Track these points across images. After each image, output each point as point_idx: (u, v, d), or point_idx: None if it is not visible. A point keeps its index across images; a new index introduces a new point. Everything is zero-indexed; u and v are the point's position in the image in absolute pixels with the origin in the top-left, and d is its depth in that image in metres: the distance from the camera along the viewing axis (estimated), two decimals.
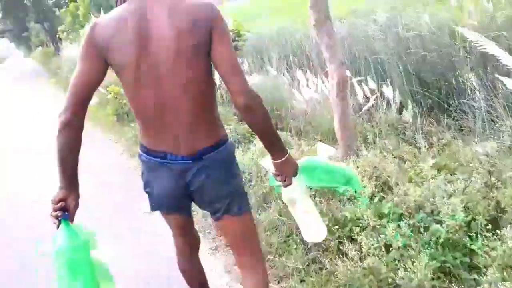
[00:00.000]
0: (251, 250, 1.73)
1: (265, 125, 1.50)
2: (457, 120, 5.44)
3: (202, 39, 1.42)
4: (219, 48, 1.43)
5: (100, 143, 6.90)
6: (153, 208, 1.76)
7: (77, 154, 1.52)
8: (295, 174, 1.63)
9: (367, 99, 5.58)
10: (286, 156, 1.58)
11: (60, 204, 1.51)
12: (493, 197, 2.59)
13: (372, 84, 5.67)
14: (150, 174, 1.65)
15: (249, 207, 1.76)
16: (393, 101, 5.51)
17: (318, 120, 5.46)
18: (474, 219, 2.41)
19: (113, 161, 6.00)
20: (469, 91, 5.15)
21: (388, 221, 2.50)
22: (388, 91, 5.50)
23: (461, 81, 5.49)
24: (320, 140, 4.86)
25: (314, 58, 7.15)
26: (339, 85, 3.82)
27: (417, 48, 6.32)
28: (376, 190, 3.08)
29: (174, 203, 1.70)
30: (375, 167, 3.42)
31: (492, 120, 4.56)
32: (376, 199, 2.87)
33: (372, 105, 5.54)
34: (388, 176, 3.22)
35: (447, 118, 5.22)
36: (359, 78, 5.87)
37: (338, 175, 1.91)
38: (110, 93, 7.83)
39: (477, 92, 5.30)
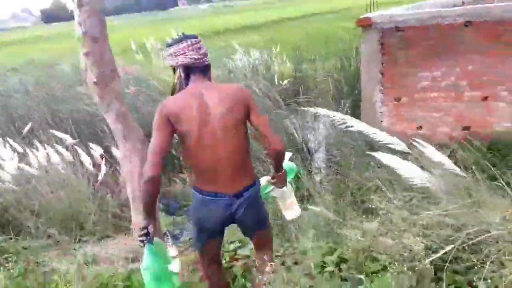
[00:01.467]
0: (268, 248, 2.42)
1: (283, 159, 2.29)
2: None
3: (241, 113, 2.07)
4: (255, 117, 2.10)
5: None
6: (199, 243, 2.30)
7: (156, 197, 2.07)
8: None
9: (97, 166, 4.90)
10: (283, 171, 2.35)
11: (144, 231, 2.04)
12: None
13: (97, 148, 5.03)
14: (202, 208, 2.17)
15: (269, 223, 2.42)
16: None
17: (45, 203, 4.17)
18: None
19: None
20: None
21: None
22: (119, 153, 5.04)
23: None
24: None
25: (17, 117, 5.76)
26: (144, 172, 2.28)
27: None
28: None
29: (218, 228, 2.24)
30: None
31: None
32: None
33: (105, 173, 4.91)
34: None
35: None
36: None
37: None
38: None
39: None
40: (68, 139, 4.90)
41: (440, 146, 6.10)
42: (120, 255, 3.55)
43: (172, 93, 2.17)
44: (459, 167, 5.67)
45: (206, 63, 2.12)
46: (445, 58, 5.87)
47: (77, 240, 3.85)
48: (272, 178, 2.36)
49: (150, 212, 2.03)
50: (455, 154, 5.92)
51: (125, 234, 4.10)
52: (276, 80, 8.32)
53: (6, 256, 3.22)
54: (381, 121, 6.44)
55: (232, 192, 2.12)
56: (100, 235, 3.93)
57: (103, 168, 4.63)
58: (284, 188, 2.42)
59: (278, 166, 2.28)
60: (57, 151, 4.65)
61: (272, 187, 2.43)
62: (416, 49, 5.96)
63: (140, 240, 2.05)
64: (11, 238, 3.60)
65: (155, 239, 2.11)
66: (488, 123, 6.01)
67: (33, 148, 4.69)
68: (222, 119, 2.04)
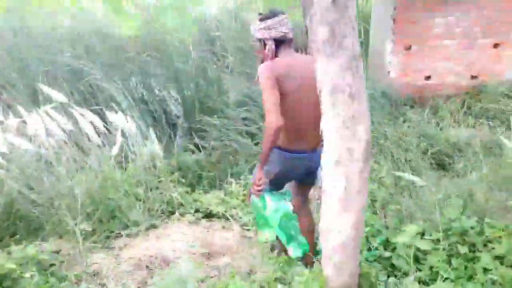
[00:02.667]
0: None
1: None
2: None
3: None
4: None
5: None
6: (277, 188, 2.57)
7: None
8: None
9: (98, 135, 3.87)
10: None
11: (262, 181, 2.37)
12: None
13: (88, 113, 3.92)
14: (288, 164, 2.43)
15: None
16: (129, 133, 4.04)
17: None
18: None
19: None
20: None
21: None
22: (119, 119, 4.00)
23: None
24: None
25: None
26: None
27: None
28: None
29: (299, 177, 2.57)
30: None
31: None
32: None
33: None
34: None
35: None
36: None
37: None
38: None
39: None
40: (61, 98, 3.71)
41: (448, 97, 5.96)
42: (190, 249, 2.78)
43: (262, 62, 2.40)
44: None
45: (291, 36, 2.38)
46: (460, 1, 5.55)
47: (121, 234, 2.94)
48: None
49: (267, 161, 2.34)
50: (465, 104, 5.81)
51: (167, 221, 3.27)
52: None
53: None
54: (389, 72, 6.04)
55: (313, 148, 2.43)
56: (146, 225, 3.06)
57: (119, 138, 3.63)
58: None
59: None
60: (48, 115, 3.51)
61: None
62: None
63: (259, 190, 2.39)
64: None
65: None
66: (497, 71, 5.90)
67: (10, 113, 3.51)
68: (311, 84, 2.11)
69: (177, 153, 4.51)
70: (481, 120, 5.35)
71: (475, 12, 5.64)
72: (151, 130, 4.27)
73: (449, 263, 2.23)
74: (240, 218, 3.35)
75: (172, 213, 3.42)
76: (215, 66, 5.79)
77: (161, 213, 3.40)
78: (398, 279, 2.14)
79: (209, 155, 4.63)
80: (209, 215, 3.41)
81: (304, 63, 2.32)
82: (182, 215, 3.33)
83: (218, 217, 3.38)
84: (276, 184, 2.52)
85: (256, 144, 4.84)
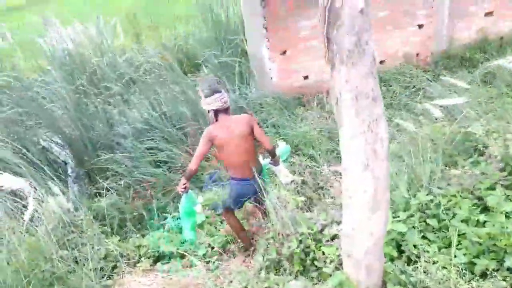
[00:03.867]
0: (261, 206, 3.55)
1: (274, 153, 3.51)
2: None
3: (249, 130, 3.29)
4: (256, 132, 3.33)
5: None
6: (235, 207, 3.51)
7: (192, 177, 3.34)
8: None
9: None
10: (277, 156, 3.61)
11: (184, 186, 3.25)
12: None
13: None
14: (239, 189, 3.38)
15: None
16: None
17: None
18: None
19: None
20: None
21: None
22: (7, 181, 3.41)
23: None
24: None
25: None
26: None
27: None
28: None
29: (251, 195, 3.40)
30: None
31: None
32: None
33: None
34: None
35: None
36: None
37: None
38: None
39: None
40: None
41: (328, 91, 6.47)
42: None
43: (209, 123, 3.33)
44: None
45: (226, 106, 3.27)
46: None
47: None
48: (271, 160, 3.61)
49: (188, 179, 3.24)
50: None
51: (117, 277, 2.89)
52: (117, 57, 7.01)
53: None
54: (271, 78, 6.32)
55: (252, 177, 3.24)
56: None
57: (31, 201, 3.09)
58: (278, 166, 3.68)
59: (272, 156, 3.53)
60: None
61: (270, 165, 3.70)
62: None
63: (180, 191, 3.24)
64: None
65: (190, 191, 3.36)
66: None
67: None
68: (240, 135, 3.22)
69: (81, 201, 4.02)
70: None
71: None
72: (50, 183, 3.74)
73: (425, 238, 2.41)
74: (195, 252, 3.13)
75: (115, 267, 3.02)
76: (98, 99, 5.30)
77: (105, 270, 2.98)
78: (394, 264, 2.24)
79: (122, 195, 4.22)
80: (160, 258, 3.11)
81: (234, 123, 3.25)
82: (129, 266, 2.97)
83: (171, 257, 3.10)
84: (236, 203, 3.44)
85: (170, 171, 4.59)
